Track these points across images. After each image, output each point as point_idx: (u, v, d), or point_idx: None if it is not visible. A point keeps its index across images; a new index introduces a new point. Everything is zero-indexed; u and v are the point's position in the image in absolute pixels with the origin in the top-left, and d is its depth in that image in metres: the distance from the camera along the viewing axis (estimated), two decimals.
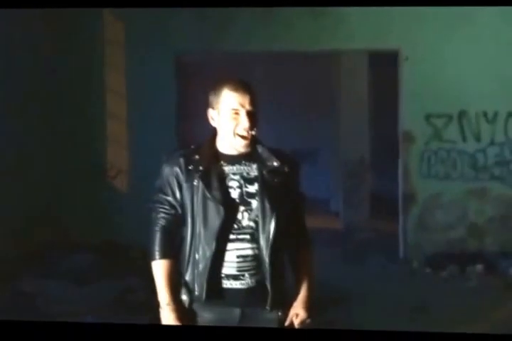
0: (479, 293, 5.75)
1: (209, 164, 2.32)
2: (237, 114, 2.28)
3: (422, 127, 7.01)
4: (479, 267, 6.50)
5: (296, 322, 2.39)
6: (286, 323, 2.38)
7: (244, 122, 2.28)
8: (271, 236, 2.27)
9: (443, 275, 6.45)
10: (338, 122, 9.21)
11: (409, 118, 7.10)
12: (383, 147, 9.62)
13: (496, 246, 6.94)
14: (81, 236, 6.79)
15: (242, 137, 2.29)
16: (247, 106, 2.28)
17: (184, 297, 2.36)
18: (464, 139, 7.00)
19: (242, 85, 2.32)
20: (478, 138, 6.99)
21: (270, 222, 2.27)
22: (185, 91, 8.09)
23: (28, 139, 6.50)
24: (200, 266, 2.29)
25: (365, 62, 9.01)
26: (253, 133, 2.30)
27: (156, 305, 4.92)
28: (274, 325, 2.35)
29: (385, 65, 8.18)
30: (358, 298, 5.01)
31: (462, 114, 6.96)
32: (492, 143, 6.99)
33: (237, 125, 2.28)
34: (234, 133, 2.29)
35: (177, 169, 2.33)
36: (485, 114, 6.97)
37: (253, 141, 2.32)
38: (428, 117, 7.00)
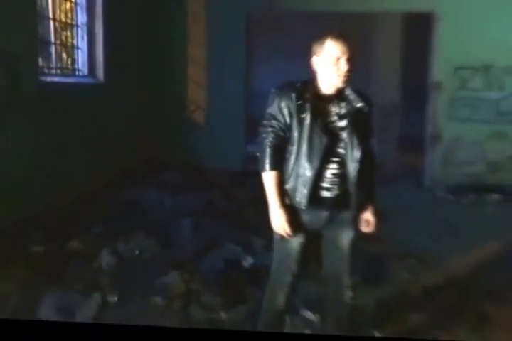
0: (496, 218, 6.06)
1: (314, 101, 2.65)
2: (338, 60, 2.60)
3: (451, 78, 7.49)
4: (496, 196, 6.92)
5: (368, 229, 2.87)
6: (362, 226, 2.86)
7: (344, 67, 2.61)
8: (357, 161, 2.65)
9: (464, 202, 6.85)
10: (373, 74, 9.79)
11: (440, 70, 7.58)
12: (412, 95, 10.11)
13: None
14: (168, 158, 7.93)
15: (343, 77, 2.64)
16: (347, 54, 2.60)
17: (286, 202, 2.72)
18: (489, 89, 7.41)
19: (342, 36, 2.63)
20: (501, 88, 7.41)
21: (358, 150, 2.66)
22: (253, 43, 8.95)
23: (126, 82, 7.36)
24: (303, 179, 2.64)
25: (400, 23, 9.69)
26: (349, 74, 2.65)
27: (228, 209, 5.85)
28: (350, 223, 2.80)
29: (418, 26, 8.59)
30: (392, 216, 5.13)
31: (488, 68, 7.35)
32: None
33: (338, 69, 2.61)
34: (336, 74, 2.63)
35: (290, 102, 2.65)
36: (509, 68, 7.35)
37: (349, 80, 2.66)
38: (456, 70, 7.45)
